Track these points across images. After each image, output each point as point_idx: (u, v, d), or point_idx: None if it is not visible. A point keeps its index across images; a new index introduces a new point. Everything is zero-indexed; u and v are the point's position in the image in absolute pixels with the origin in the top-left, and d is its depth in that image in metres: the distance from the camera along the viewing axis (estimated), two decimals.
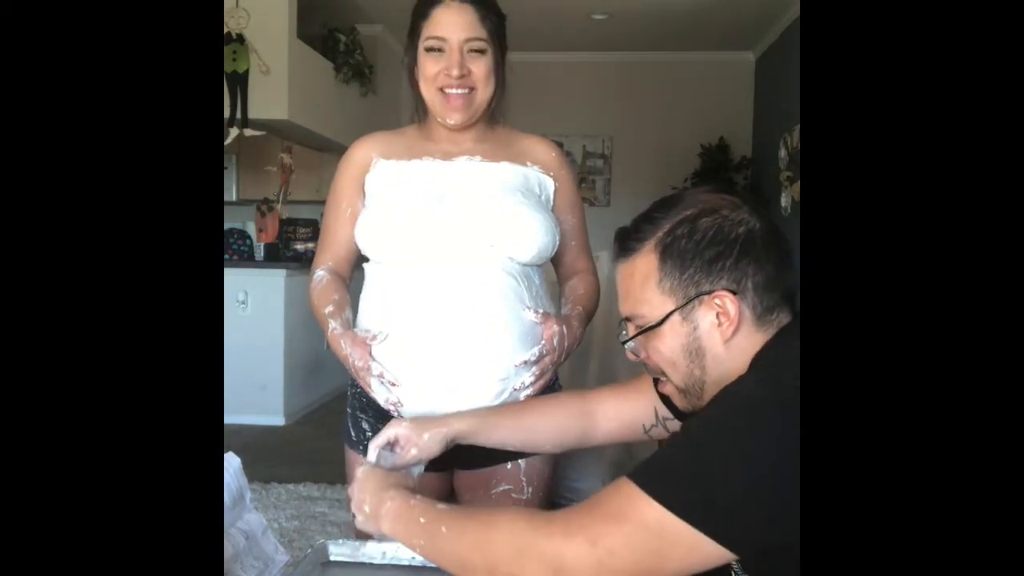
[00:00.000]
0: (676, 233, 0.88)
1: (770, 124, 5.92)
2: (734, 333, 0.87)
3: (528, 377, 1.22)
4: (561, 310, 1.35)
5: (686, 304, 0.88)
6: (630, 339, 0.94)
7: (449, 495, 1.40)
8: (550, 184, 1.33)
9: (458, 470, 1.35)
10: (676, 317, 0.89)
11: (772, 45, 5.94)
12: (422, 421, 1.12)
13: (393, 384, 1.20)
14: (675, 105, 6.61)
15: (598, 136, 6.79)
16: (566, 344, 1.25)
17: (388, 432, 1.09)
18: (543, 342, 1.22)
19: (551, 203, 1.33)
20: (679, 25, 5.76)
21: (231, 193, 5.42)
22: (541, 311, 1.25)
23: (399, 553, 1.10)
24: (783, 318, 0.89)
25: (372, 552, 1.10)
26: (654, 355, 0.93)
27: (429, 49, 1.22)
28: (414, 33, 1.25)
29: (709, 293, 0.87)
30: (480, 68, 1.23)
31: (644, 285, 0.90)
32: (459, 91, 1.23)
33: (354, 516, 1.00)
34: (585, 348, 2.07)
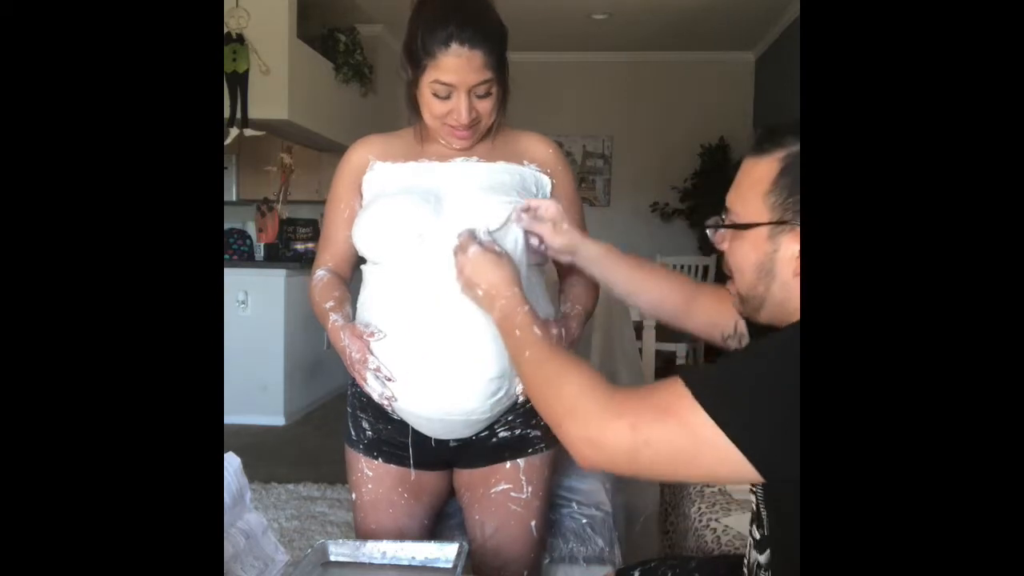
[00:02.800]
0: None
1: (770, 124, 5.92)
2: None
3: None
4: (560, 307, 1.35)
5: (778, 224, 0.87)
6: (718, 228, 0.94)
7: (449, 493, 1.40)
8: (547, 183, 1.33)
9: (458, 468, 1.35)
10: (763, 231, 0.88)
11: (772, 45, 5.94)
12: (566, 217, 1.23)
13: (389, 379, 1.20)
14: (675, 105, 6.61)
15: (598, 136, 6.79)
16: (563, 346, 1.26)
17: (542, 202, 1.23)
18: None
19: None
20: (679, 25, 5.76)
21: (231, 193, 5.43)
22: (541, 319, 1.25)
23: (399, 553, 1.10)
24: None
25: (372, 552, 1.10)
26: (731, 255, 0.93)
27: (436, 93, 1.20)
28: (417, 66, 1.20)
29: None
30: (486, 106, 1.23)
31: (753, 187, 0.89)
32: (466, 130, 1.24)
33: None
34: (585, 346, 2.07)
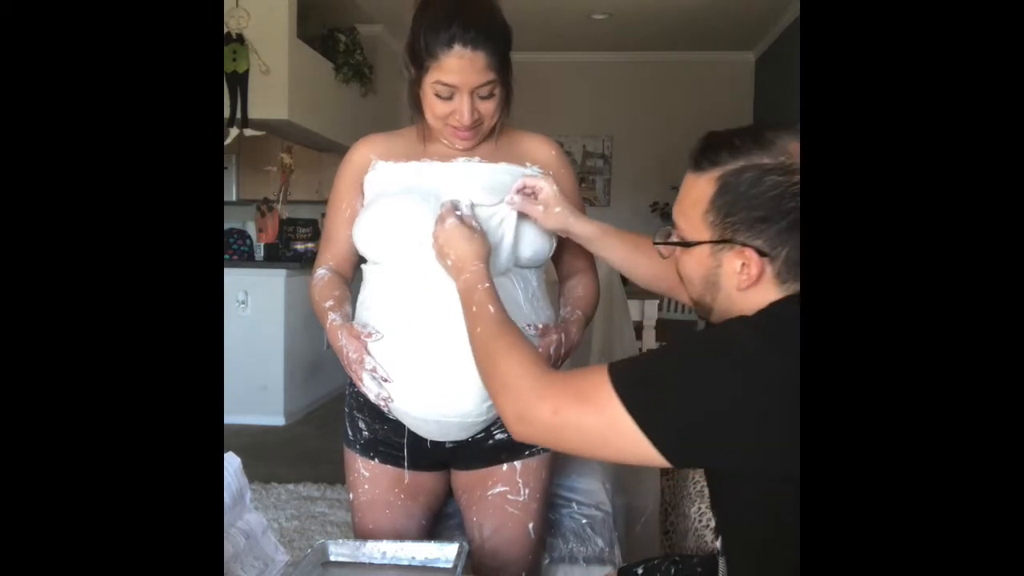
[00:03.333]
0: (742, 177, 0.88)
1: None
2: (751, 287, 0.90)
3: None
4: (560, 311, 1.35)
5: (718, 243, 0.90)
6: (663, 243, 0.99)
7: (447, 494, 1.40)
8: None
9: (455, 470, 1.35)
10: (706, 248, 0.92)
11: (772, 45, 5.94)
12: (562, 198, 1.24)
13: (385, 380, 1.20)
14: (675, 105, 6.61)
15: (598, 136, 6.78)
16: (563, 351, 1.26)
17: (538, 182, 1.24)
18: (540, 350, 1.22)
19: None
20: (679, 25, 5.76)
21: (231, 193, 5.42)
22: (541, 324, 1.25)
23: (399, 553, 1.10)
24: None
25: (372, 552, 1.10)
26: (680, 267, 0.98)
27: (438, 94, 1.20)
28: (420, 66, 1.20)
29: (742, 245, 0.88)
30: (489, 107, 1.22)
31: (694, 205, 0.92)
32: (468, 130, 1.24)
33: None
34: (585, 346, 2.07)
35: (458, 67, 1.16)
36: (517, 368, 0.94)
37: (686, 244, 0.94)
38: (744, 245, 0.88)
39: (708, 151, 0.91)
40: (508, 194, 1.23)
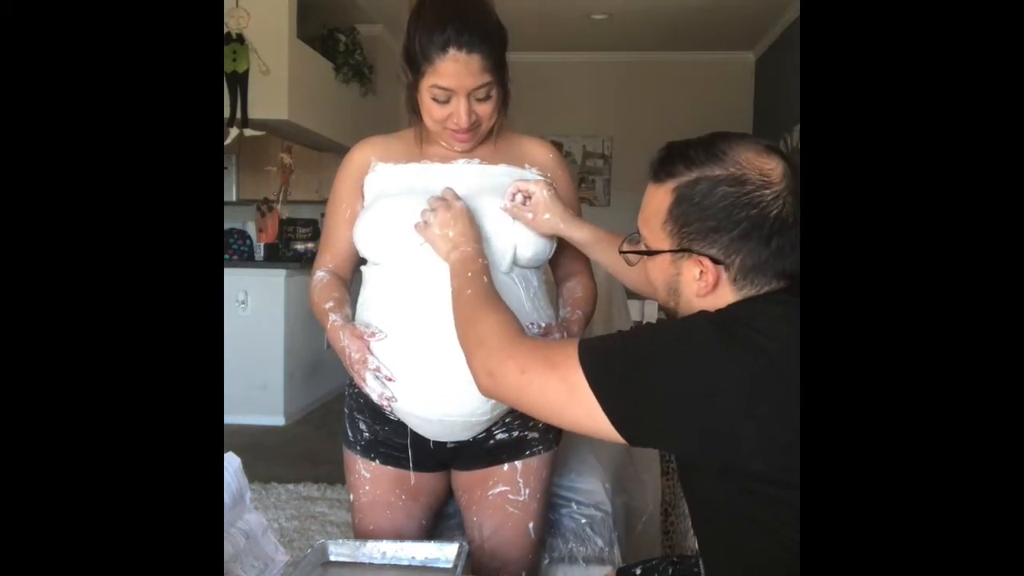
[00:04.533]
0: (696, 188, 0.92)
1: (770, 124, 5.92)
2: (709, 293, 0.93)
3: None
4: (560, 312, 1.35)
5: (677, 251, 0.95)
6: (628, 252, 1.03)
7: (447, 494, 1.40)
8: None
9: (455, 470, 1.35)
10: (667, 256, 0.96)
11: (772, 45, 5.94)
12: (555, 204, 1.26)
13: (389, 379, 1.20)
14: (675, 105, 6.60)
15: (598, 136, 6.78)
16: None
17: (530, 187, 1.26)
18: None
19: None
20: (679, 25, 5.76)
21: (231, 193, 5.42)
22: (544, 323, 1.25)
23: (399, 553, 1.10)
24: (766, 290, 0.94)
25: (372, 552, 1.11)
26: (646, 272, 1.02)
27: (435, 98, 1.20)
28: (416, 70, 1.20)
29: (698, 254, 0.92)
30: (486, 109, 1.22)
31: (653, 215, 0.97)
32: (466, 133, 1.24)
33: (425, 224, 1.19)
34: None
35: (454, 71, 1.16)
36: (496, 327, 0.99)
37: (647, 252, 0.99)
38: (700, 254, 0.92)
39: (665, 163, 0.96)
40: (502, 198, 1.24)
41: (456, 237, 1.15)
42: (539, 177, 1.32)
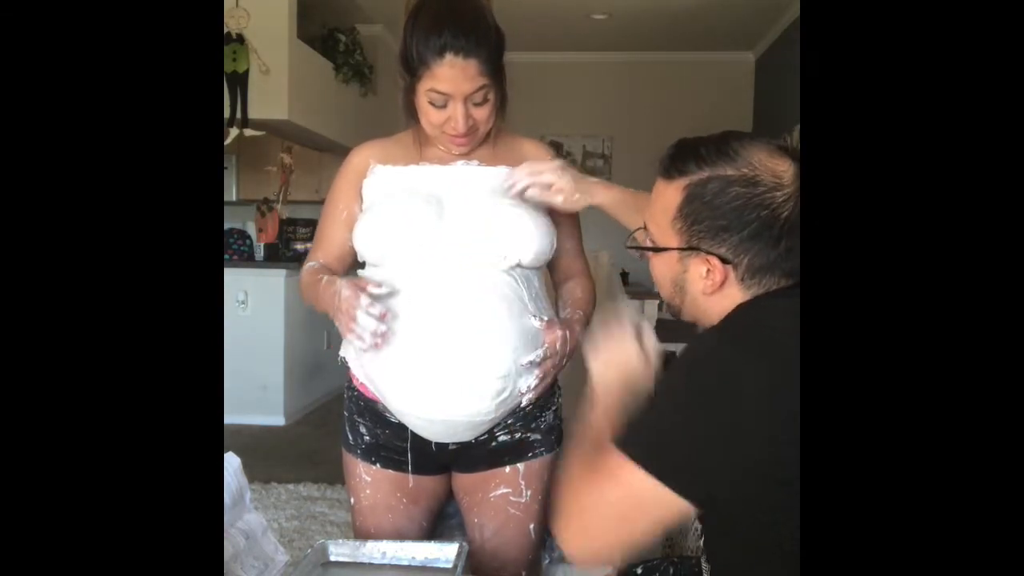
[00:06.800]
0: (707, 187, 0.91)
1: (770, 124, 5.92)
2: (715, 292, 0.93)
3: (531, 380, 1.22)
4: (560, 313, 1.36)
5: (685, 249, 0.94)
6: (634, 247, 1.02)
7: (447, 495, 1.40)
8: None
9: (457, 472, 1.35)
10: (674, 253, 0.95)
11: (772, 45, 5.93)
12: (580, 181, 1.28)
13: (383, 316, 1.14)
14: (675, 105, 6.59)
15: (598, 136, 6.78)
16: (568, 348, 1.25)
17: (546, 178, 1.25)
18: (545, 345, 1.22)
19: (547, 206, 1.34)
20: (679, 25, 5.75)
21: (231, 193, 5.42)
22: (546, 318, 1.25)
23: (399, 553, 1.10)
24: (773, 288, 0.94)
25: (372, 552, 1.11)
26: (652, 269, 1.01)
27: (432, 102, 1.19)
28: (413, 75, 1.19)
29: (707, 253, 0.92)
30: (483, 112, 1.22)
31: (662, 212, 0.96)
32: (464, 136, 1.24)
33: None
34: (584, 351, 2.06)
35: (450, 75, 1.16)
36: (590, 510, 0.90)
37: (654, 249, 0.98)
38: (709, 253, 0.91)
39: (676, 159, 0.95)
40: (511, 192, 1.24)
41: (622, 391, 1.01)
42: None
